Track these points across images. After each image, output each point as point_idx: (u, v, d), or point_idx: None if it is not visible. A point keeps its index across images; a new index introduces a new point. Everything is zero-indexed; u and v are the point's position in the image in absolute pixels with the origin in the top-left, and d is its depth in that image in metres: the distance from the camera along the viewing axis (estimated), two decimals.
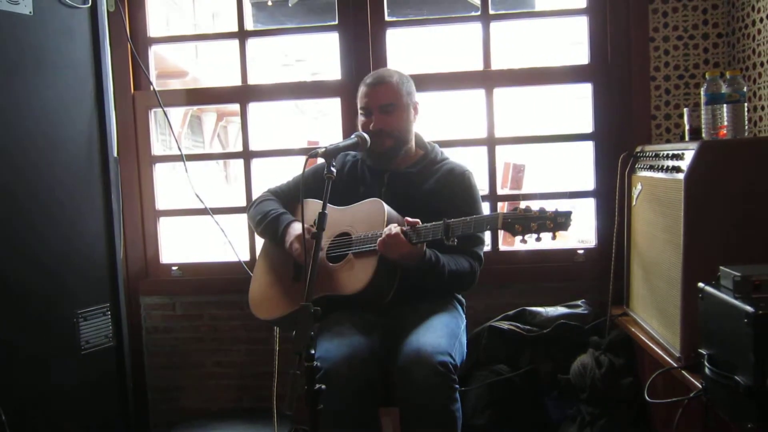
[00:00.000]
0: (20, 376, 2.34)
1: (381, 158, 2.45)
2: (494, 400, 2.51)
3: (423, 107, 2.55)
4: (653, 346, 2.22)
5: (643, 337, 2.33)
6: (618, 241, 2.65)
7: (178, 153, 3.07)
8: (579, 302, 2.75)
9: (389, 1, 2.97)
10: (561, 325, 2.60)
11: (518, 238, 1.98)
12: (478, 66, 2.94)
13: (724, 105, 2.10)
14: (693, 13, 2.77)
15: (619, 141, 2.79)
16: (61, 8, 2.46)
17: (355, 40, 2.97)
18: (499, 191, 3.01)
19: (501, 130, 2.96)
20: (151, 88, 3.01)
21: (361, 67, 2.95)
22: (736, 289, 1.54)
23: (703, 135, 2.18)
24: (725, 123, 2.10)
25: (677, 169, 2.05)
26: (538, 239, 1.96)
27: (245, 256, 3.04)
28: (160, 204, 3.15)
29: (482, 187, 2.81)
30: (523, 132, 3.09)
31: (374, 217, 2.27)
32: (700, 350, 1.69)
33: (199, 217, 3.09)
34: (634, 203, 2.53)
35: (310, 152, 2.13)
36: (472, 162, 2.61)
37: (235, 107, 3.13)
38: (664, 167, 2.16)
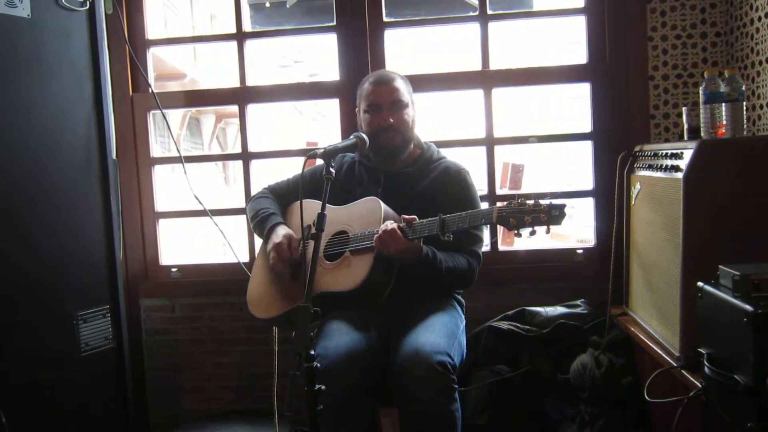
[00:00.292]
0: (20, 378, 2.34)
1: (387, 155, 2.46)
2: (494, 400, 2.51)
3: (422, 107, 2.56)
4: (653, 346, 2.22)
5: (642, 337, 2.33)
6: (617, 240, 2.65)
7: (177, 155, 3.07)
8: (578, 302, 2.75)
9: (387, 1, 2.97)
10: (560, 325, 2.60)
11: (513, 231, 1.97)
12: (477, 66, 2.94)
13: (723, 104, 2.11)
14: (691, 12, 2.77)
15: (618, 140, 2.79)
16: (59, 11, 2.46)
17: (353, 41, 2.97)
18: (498, 191, 3.02)
19: (500, 130, 2.96)
20: (150, 90, 3.01)
21: (360, 68, 2.95)
22: (735, 288, 1.54)
23: (702, 134, 2.18)
24: (724, 122, 2.10)
25: (676, 169, 2.05)
26: (533, 233, 1.94)
27: (244, 258, 3.04)
28: (160, 206, 3.15)
29: (481, 187, 2.82)
30: (521, 132, 3.08)
31: (371, 215, 2.28)
32: (699, 349, 1.69)
33: (199, 218, 3.10)
34: (633, 203, 2.52)
35: (309, 153, 2.13)
36: (471, 162, 2.61)
37: (234, 109, 3.13)
38: (663, 166, 2.16)
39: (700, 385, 1.77)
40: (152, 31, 3.13)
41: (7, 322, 2.31)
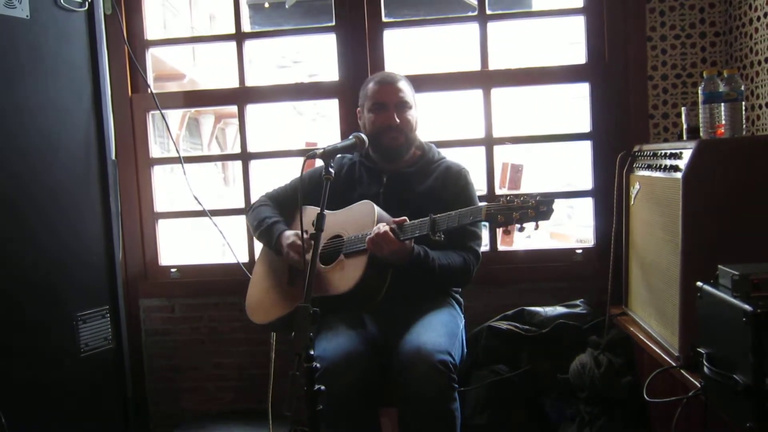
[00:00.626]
0: (20, 379, 2.33)
1: (389, 155, 2.46)
2: (493, 400, 2.51)
3: (421, 108, 2.56)
4: (652, 346, 2.22)
5: (641, 337, 2.33)
6: (616, 240, 2.65)
7: (177, 155, 3.07)
8: (578, 302, 2.75)
9: (386, 1, 2.97)
10: (560, 325, 2.60)
11: (503, 229, 1.95)
12: (476, 66, 2.94)
13: (722, 104, 2.11)
14: (690, 11, 2.78)
15: (617, 140, 2.79)
16: (58, 12, 2.46)
17: (352, 41, 2.97)
18: (498, 191, 3.02)
19: (499, 130, 2.96)
20: (149, 91, 3.01)
21: (359, 68, 2.95)
22: (734, 288, 1.54)
23: (701, 134, 2.18)
24: (723, 122, 2.10)
25: (675, 168, 2.05)
26: (521, 229, 1.92)
27: (244, 258, 3.04)
28: (159, 206, 3.15)
29: (480, 187, 2.82)
30: (521, 132, 3.08)
31: (364, 219, 2.28)
32: (698, 349, 1.69)
33: (198, 219, 3.10)
34: (632, 202, 2.53)
35: (308, 153, 2.14)
36: (471, 162, 2.61)
37: (233, 109, 3.13)
38: (662, 166, 2.16)
39: (699, 385, 1.77)
40: (151, 32, 3.13)
41: (7, 322, 2.30)
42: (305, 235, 2.11)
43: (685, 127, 2.35)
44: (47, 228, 2.43)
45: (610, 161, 2.70)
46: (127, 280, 3.03)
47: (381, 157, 2.49)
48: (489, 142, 2.94)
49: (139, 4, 3.08)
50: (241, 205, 3.09)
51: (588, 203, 3.00)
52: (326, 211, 2.30)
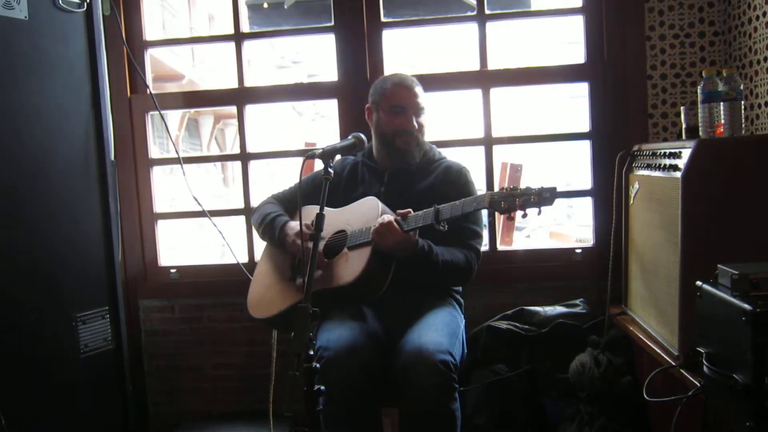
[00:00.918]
0: (19, 380, 2.33)
1: (400, 156, 2.47)
2: (493, 400, 2.51)
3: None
4: (652, 345, 2.22)
5: (641, 336, 2.33)
6: (616, 240, 2.65)
7: (176, 156, 3.07)
8: (577, 301, 2.75)
9: (385, 1, 2.97)
10: (559, 325, 2.60)
11: (506, 216, 2.00)
12: (475, 66, 2.94)
13: (721, 103, 2.10)
14: (689, 11, 2.78)
15: (616, 140, 2.79)
16: (57, 12, 2.46)
17: (351, 42, 2.97)
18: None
19: (498, 129, 2.96)
20: (148, 92, 3.01)
21: (358, 69, 2.95)
22: (733, 287, 1.54)
23: (700, 133, 2.18)
24: (722, 121, 2.10)
25: (674, 168, 2.05)
26: (524, 215, 1.97)
27: (243, 258, 3.04)
28: (158, 207, 3.15)
29: (480, 186, 2.81)
30: (520, 132, 3.08)
31: (369, 213, 2.30)
32: (698, 349, 1.69)
33: (198, 219, 3.09)
34: (631, 202, 2.53)
35: (307, 154, 2.15)
36: (470, 162, 2.62)
37: (233, 110, 3.13)
38: (662, 166, 2.16)
39: (698, 384, 1.77)
40: (150, 33, 3.13)
41: (7, 323, 2.30)
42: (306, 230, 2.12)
43: (684, 126, 2.35)
44: (46, 229, 2.43)
45: (610, 161, 2.70)
46: (126, 281, 3.03)
47: (388, 157, 2.50)
48: (488, 142, 2.94)
49: (137, 5, 3.08)
50: (241, 205, 3.09)
51: (587, 203, 3.00)
52: (329, 209, 2.35)
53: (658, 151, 2.24)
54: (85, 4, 2.54)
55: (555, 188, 1.92)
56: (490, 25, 2.92)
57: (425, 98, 2.50)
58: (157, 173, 3.19)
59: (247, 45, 3.08)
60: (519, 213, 1.97)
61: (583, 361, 2.47)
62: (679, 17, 2.78)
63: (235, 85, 3.08)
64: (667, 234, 2.11)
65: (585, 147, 2.96)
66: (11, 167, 2.33)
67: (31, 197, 2.39)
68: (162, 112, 3.03)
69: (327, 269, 2.30)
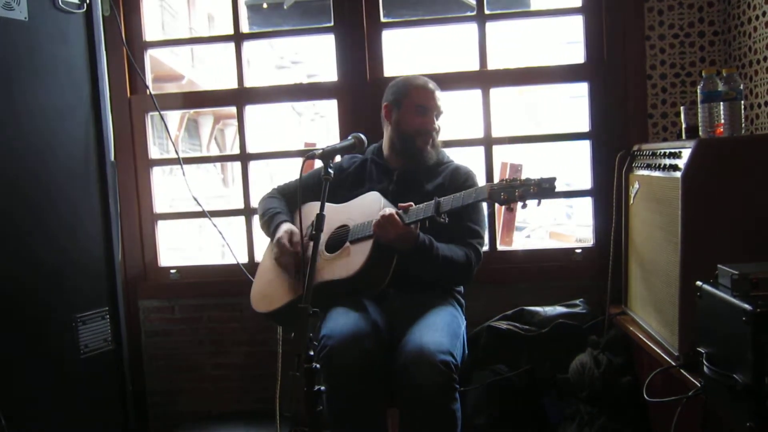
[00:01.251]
0: (19, 381, 2.33)
1: (416, 156, 2.50)
2: (493, 400, 2.51)
3: None
4: (652, 345, 2.22)
5: (641, 336, 2.33)
6: (616, 240, 2.65)
7: (176, 156, 3.07)
8: (577, 301, 2.75)
9: (384, 2, 2.97)
10: (559, 325, 2.60)
11: (506, 207, 2.04)
12: (475, 66, 2.94)
13: (721, 103, 2.10)
14: (689, 11, 2.78)
15: (616, 140, 2.79)
16: (57, 13, 2.46)
17: (350, 42, 2.97)
18: None
19: (498, 129, 2.96)
20: (148, 92, 3.01)
21: (357, 69, 2.95)
22: (734, 288, 1.54)
23: (700, 133, 2.17)
24: (722, 121, 2.10)
25: (674, 168, 2.05)
26: (524, 206, 1.99)
27: (243, 259, 3.04)
28: (158, 207, 3.15)
29: None
30: (520, 131, 3.08)
31: (371, 207, 2.32)
32: (698, 349, 1.69)
33: (198, 220, 3.09)
34: (631, 202, 2.53)
35: (307, 154, 2.16)
36: (470, 162, 2.63)
37: (232, 110, 3.13)
38: (661, 166, 2.16)
39: (699, 385, 1.77)
40: (150, 33, 3.13)
41: (7, 323, 2.30)
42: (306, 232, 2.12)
43: (684, 126, 2.35)
44: (46, 229, 2.43)
45: (610, 161, 2.70)
46: (126, 282, 3.03)
47: (402, 156, 2.52)
48: (488, 142, 2.94)
49: (137, 6, 3.08)
50: (241, 206, 3.09)
51: (587, 203, 3.00)
52: (332, 205, 2.40)
53: (658, 151, 2.24)
54: (85, 5, 2.54)
55: (554, 179, 1.95)
56: (489, 25, 2.92)
57: (444, 102, 2.54)
58: (157, 174, 3.19)
59: (247, 45, 3.08)
60: (519, 204, 1.99)
61: (583, 361, 2.47)
62: (678, 17, 2.78)
63: (234, 85, 3.08)
64: (667, 234, 2.11)
65: (585, 147, 2.96)
66: (11, 168, 2.33)
67: (31, 198, 2.39)
68: (162, 112, 3.02)
69: (329, 263, 2.32)
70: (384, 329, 2.27)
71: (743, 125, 2.10)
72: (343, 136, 2.94)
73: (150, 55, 3.14)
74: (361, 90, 2.95)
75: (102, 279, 2.61)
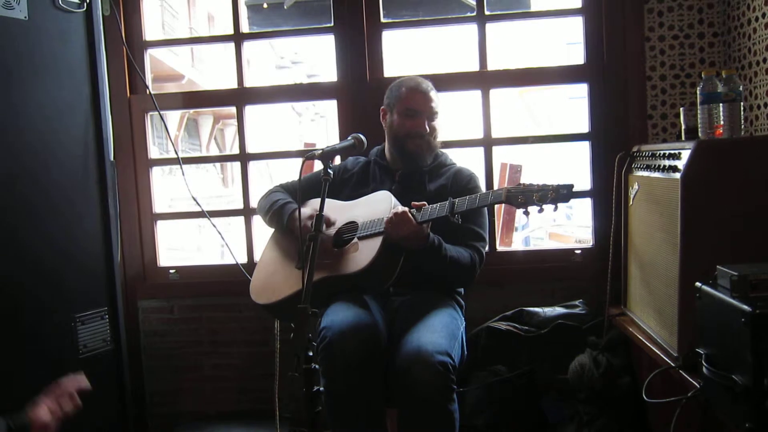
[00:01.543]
0: (18, 381, 2.33)
1: (411, 159, 2.50)
2: (492, 401, 2.51)
3: None
4: (651, 346, 2.22)
5: (640, 337, 2.33)
6: (615, 240, 2.65)
7: (175, 156, 3.07)
8: (577, 302, 2.75)
9: (385, 2, 2.97)
10: (559, 326, 2.60)
11: (522, 210, 2.04)
12: (475, 67, 2.94)
13: (721, 104, 2.10)
14: (688, 12, 2.78)
15: (616, 141, 2.79)
16: (57, 13, 2.46)
17: (350, 42, 2.97)
18: None
19: (498, 130, 2.96)
20: (147, 92, 3.01)
21: (358, 69, 2.95)
22: (733, 289, 1.54)
23: (700, 134, 2.17)
24: (722, 122, 2.10)
25: (674, 169, 2.05)
26: (540, 210, 2.01)
27: (243, 259, 3.04)
28: (157, 207, 3.15)
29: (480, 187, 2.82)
30: (519, 132, 3.08)
31: (381, 206, 2.33)
32: (697, 350, 1.69)
33: (197, 220, 3.09)
34: (631, 203, 2.53)
35: (306, 154, 2.16)
36: (469, 162, 2.63)
37: (232, 110, 3.13)
38: (661, 167, 2.16)
39: (698, 386, 1.77)
40: (150, 33, 3.13)
41: (5, 324, 2.30)
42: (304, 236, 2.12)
43: (683, 127, 2.35)
44: (45, 229, 2.42)
45: (609, 162, 2.70)
46: (125, 282, 3.03)
47: (399, 158, 2.54)
48: (488, 143, 2.94)
49: (137, 5, 3.08)
50: (240, 206, 3.09)
51: (587, 204, 3.00)
52: (341, 202, 2.43)
53: (658, 152, 2.24)
54: (85, 4, 2.54)
55: (572, 185, 1.97)
56: (489, 26, 2.92)
57: (439, 102, 2.53)
58: (157, 174, 3.19)
59: (247, 45, 3.08)
60: (535, 209, 2.01)
61: (583, 362, 2.47)
62: (678, 18, 2.78)
63: (234, 85, 3.08)
64: (667, 235, 2.11)
65: (584, 148, 2.96)
66: (10, 167, 2.33)
67: (30, 198, 2.39)
68: (161, 112, 3.02)
69: (336, 258, 2.31)
70: (383, 326, 2.27)
71: (742, 126, 2.10)
72: (343, 136, 2.94)
73: (150, 54, 3.14)
74: (361, 90, 2.95)
75: (101, 279, 2.61)
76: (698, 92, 2.17)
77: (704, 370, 1.64)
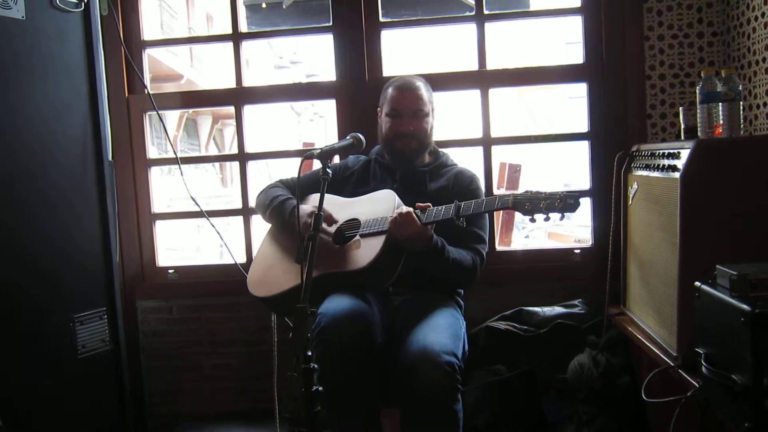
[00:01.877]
0: (17, 382, 2.33)
1: (402, 159, 2.51)
2: (492, 401, 2.51)
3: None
4: (650, 346, 2.22)
5: (640, 337, 2.33)
6: (614, 240, 2.65)
7: (174, 156, 3.06)
8: (576, 302, 2.75)
9: (383, 1, 2.97)
10: (558, 325, 2.60)
11: (528, 217, 2.04)
12: (474, 66, 2.94)
13: (720, 104, 2.10)
14: (688, 11, 2.78)
15: (615, 140, 2.79)
16: (54, 12, 2.45)
17: (349, 42, 2.97)
18: (495, 191, 3.01)
19: (497, 130, 2.96)
20: (146, 92, 3.01)
21: (356, 69, 2.95)
22: (732, 288, 1.54)
23: (699, 134, 2.17)
24: (721, 122, 2.10)
25: (673, 168, 2.05)
26: (547, 218, 2.01)
27: (242, 259, 3.04)
28: (156, 207, 3.14)
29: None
30: (519, 132, 3.08)
31: (384, 204, 2.32)
32: (697, 349, 1.69)
33: (196, 220, 3.09)
34: (630, 202, 2.52)
35: (305, 154, 2.15)
36: (468, 162, 2.63)
37: (231, 110, 3.12)
38: (660, 166, 2.16)
39: (697, 385, 1.77)
40: (148, 33, 3.12)
41: (4, 324, 2.30)
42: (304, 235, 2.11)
43: (682, 126, 2.34)
44: (43, 230, 2.42)
45: (608, 161, 2.70)
46: (124, 282, 3.03)
47: (391, 159, 2.55)
48: (487, 142, 2.94)
49: (135, 5, 3.07)
50: (239, 205, 3.09)
51: (586, 203, 2.99)
52: (343, 198, 2.44)
53: (657, 152, 2.24)
54: (83, 3, 2.53)
55: (579, 194, 1.98)
56: (488, 26, 2.92)
57: (429, 100, 2.52)
58: (155, 173, 3.18)
59: (246, 45, 3.07)
60: (541, 216, 2.01)
61: (582, 362, 2.47)
62: (677, 18, 2.78)
63: (233, 85, 3.08)
64: (666, 234, 2.11)
65: (583, 147, 2.95)
66: (7, 167, 2.32)
67: (28, 198, 2.38)
68: (160, 112, 3.02)
69: (338, 255, 2.30)
70: (379, 320, 2.26)
71: (742, 126, 2.10)
72: (342, 135, 2.93)
73: (148, 54, 3.13)
74: (360, 90, 2.95)
75: (100, 279, 2.61)
76: (697, 92, 2.17)
77: (704, 369, 1.64)
